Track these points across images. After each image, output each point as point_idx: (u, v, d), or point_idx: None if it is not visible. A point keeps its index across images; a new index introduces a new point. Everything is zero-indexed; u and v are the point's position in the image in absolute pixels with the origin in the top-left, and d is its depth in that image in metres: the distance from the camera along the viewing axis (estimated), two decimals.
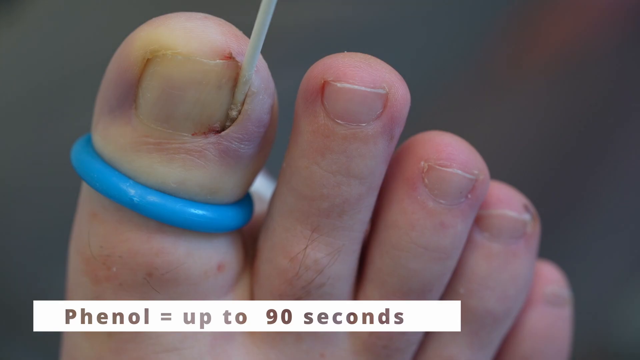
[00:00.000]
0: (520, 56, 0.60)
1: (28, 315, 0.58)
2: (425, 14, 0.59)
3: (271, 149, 0.31)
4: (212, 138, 0.29)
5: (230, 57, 0.29)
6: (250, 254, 0.32)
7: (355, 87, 0.29)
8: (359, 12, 0.58)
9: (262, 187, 0.36)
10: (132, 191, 0.29)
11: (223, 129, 0.29)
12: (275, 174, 0.32)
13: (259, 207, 0.34)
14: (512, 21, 0.59)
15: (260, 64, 0.29)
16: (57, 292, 0.37)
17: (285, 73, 0.35)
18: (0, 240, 0.59)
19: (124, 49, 0.29)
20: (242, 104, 0.29)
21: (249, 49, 0.29)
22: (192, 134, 0.29)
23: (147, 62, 0.29)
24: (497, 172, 0.35)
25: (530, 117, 0.60)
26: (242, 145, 0.30)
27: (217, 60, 0.29)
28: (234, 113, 0.29)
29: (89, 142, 0.31)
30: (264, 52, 0.30)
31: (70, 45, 0.60)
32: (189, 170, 0.29)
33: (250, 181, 0.31)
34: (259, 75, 0.29)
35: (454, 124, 0.55)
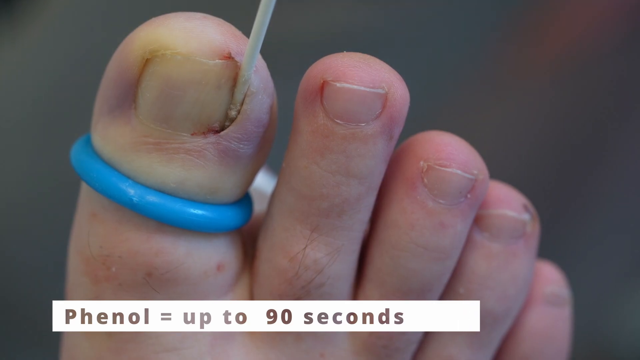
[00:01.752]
0: (521, 57, 0.60)
1: (29, 317, 0.58)
2: (429, 15, 0.59)
3: (270, 148, 0.31)
4: (212, 138, 0.29)
5: (229, 57, 0.29)
6: (250, 254, 0.32)
7: (355, 87, 0.29)
8: (362, 19, 0.58)
9: (263, 183, 0.36)
10: (132, 191, 0.29)
11: (222, 129, 0.29)
12: (275, 173, 0.32)
13: (259, 209, 0.34)
14: (515, 22, 0.59)
15: (260, 63, 0.29)
16: (58, 294, 0.37)
17: (288, 82, 0.35)
18: (2, 242, 0.59)
19: (123, 48, 0.29)
20: (242, 104, 0.29)
21: (248, 48, 0.29)
22: (192, 134, 0.29)
23: (147, 62, 0.29)
24: (497, 172, 0.35)
25: (530, 117, 0.60)
26: (241, 145, 0.30)
27: (216, 60, 0.29)
28: (233, 113, 0.29)
29: (88, 142, 0.31)
30: (267, 58, 0.30)
31: (74, 59, 0.60)
32: (189, 170, 0.29)
33: (249, 181, 0.31)
34: (258, 75, 0.29)
35: (454, 124, 0.55)
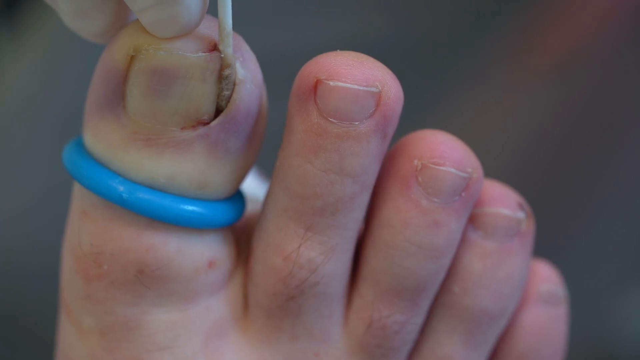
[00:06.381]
0: (521, 56, 0.60)
1: (31, 319, 0.58)
2: (426, 12, 0.59)
3: (261, 144, 0.31)
4: (201, 130, 0.29)
5: (212, 50, 0.29)
6: (244, 253, 0.32)
7: (348, 85, 0.29)
8: (362, 21, 0.58)
9: (255, 188, 0.36)
10: (122, 188, 0.29)
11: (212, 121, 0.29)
12: (269, 173, 0.32)
13: (252, 208, 0.34)
14: (514, 20, 0.59)
15: (248, 55, 0.30)
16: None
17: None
18: (5, 244, 0.59)
19: (110, 46, 0.30)
20: (231, 94, 0.29)
21: (219, 12, 0.29)
22: (181, 128, 0.29)
23: (131, 59, 0.29)
24: (493, 171, 0.35)
25: (526, 116, 0.60)
26: (230, 137, 0.30)
27: (199, 54, 0.29)
28: (222, 105, 0.29)
29: (80, 142, 0.31)
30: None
31: (76, 69, 0.60)
32: (178, 164, 0.29)
33: (240, 176, 0.31)
34: (245, 65, 0.29)
35: (450, 123, 0.55)
